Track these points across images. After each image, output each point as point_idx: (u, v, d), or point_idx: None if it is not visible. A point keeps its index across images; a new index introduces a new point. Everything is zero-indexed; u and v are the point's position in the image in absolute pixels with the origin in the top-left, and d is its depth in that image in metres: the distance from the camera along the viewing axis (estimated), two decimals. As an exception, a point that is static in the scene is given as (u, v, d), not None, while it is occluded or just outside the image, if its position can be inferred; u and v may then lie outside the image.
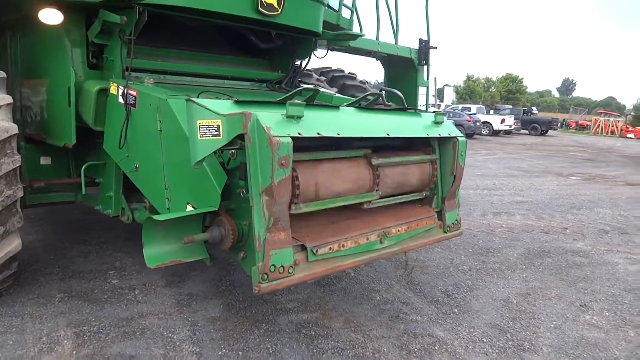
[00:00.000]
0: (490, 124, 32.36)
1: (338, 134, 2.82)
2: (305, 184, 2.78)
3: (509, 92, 61.04)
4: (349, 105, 3.50)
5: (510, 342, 3.75)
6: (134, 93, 3.26)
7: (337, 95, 4.64)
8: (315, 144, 3.02)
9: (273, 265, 2.55)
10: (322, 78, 6.04)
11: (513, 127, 34.41)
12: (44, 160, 4.45)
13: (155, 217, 2.57)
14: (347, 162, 3.13)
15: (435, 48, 6.45)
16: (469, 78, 60.10)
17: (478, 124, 29.97)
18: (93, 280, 4.50)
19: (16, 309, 3.84)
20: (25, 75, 4.27)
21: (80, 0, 3.50)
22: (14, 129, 3.42)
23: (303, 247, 2.80)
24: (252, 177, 2.50)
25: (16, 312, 3.78)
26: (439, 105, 42.41)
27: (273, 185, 2.45)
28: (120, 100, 3.39)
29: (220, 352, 3.37)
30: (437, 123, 3.65)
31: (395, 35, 6.20)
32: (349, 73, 6.80)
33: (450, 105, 39.29)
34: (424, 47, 6.35)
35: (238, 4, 3.62)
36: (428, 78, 6.62)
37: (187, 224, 2.75)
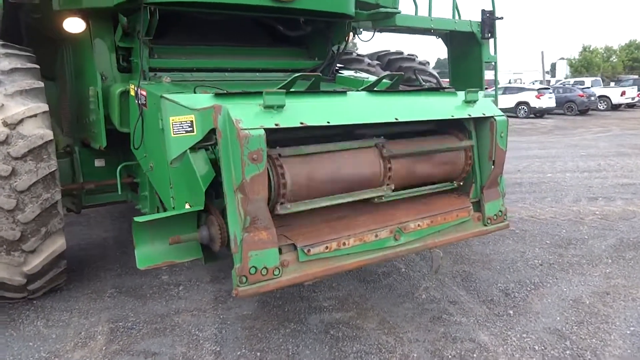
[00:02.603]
0: (608, 98, 28.92)
1: (328, 122, 2.55)
2: (294, 180, 2.56)
3: (633, 60, 54.19)
4: (366, 88, 3.18)
5: (568, 352, 3.21)
6: (144, 93, 3.26)
7: (370, 79, 4.30)
8: (316, 135, 2.78)
9: (254, 267, 2.37)
10: (375, 62, 5.69)
11: (637, 99, 30.45)
12: (98, 163, 4.69)
13: (137, 219, 2.52)
14: (351, 153, 2.84)
15: (502, 18, 5.76)
16: (585, 49, 54.38)
17: (593, 98, 26.95)
18: (145, 276, 4.66)
19: (69, 303, 4.09)
20: (74, 84, 4.52)
21: (94, 7, 3.59)
22: (49, 135, 3.60)
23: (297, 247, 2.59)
24: (224, 174, 2.34)
25: (68, 307, 4.03)
26: (548, 82, 39.02)
27: (245, 181, 2.27)
28: (137, 100, 3.43)
29: (239, 352, 3.28)
30: (468, 102, 3.20)
31: (454, 8, 5.64)
32: (408, 55, 6.35)
33: (560, 80, 35.87)
34: (488, 19, 5.69)
35: None
36: (495, 52, 5.95)
37: (180, 224, 2.67)
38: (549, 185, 8.36)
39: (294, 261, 2.54)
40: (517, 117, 25.09)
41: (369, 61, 5.66)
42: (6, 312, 3.92)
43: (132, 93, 3.55)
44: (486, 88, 6.67)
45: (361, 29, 5.17)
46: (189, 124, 2.40)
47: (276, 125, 2.37)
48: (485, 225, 3.35)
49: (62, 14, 3.75)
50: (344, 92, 2.91)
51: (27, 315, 3.87)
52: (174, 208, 3.07)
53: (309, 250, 2.56)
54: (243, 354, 3.27)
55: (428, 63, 6.36)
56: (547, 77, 48.18)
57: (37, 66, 3.90)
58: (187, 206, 2.86)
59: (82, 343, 3.45)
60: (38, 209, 3.56)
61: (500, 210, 3.41)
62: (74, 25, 3.69)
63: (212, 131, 2.36)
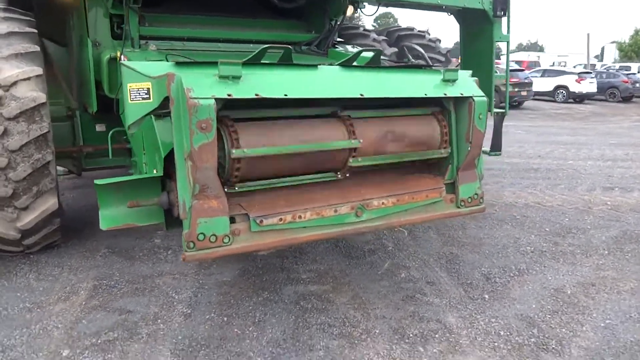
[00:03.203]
0: (656, 85, 27.41)
1: (285, 95, 2.55)
2: (249, 151, 2.57)
3: (690, 46, 50.83)
4: (342, 63, 3.13)
5: (532, 340, 3.16)
6: (125, 59, 3.32)
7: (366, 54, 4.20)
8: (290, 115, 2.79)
9: (202, 233, 2.43)
10: (380, 38, 5.57)
11: (688, 87, 28.74)
12: (99, 128, 4.83)
13: (97, 181, 2.61)
14: (312, 121, 2.84)
15: (516, -5, 5.51)
16: (637, 32, 51.36)
17: (638, 85, 25.62)
18: (140, 238, 4.82)
19: (63, 260, 4.29)
20: (76, 50, 4.63)
21: None
22: (41, 98, 3.73)
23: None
24: (175, 141, 2.38)
25: (61, 263, 4.23)
26: (593, 66, 37.23)
27: (193, 150, 2.31)
28: None
29: (207, 316, 3.38)
30: (447, 81, 3.11)
31: None
32: (419, 31, 6.18)
33: (606, 65, 34.14)
34: (501, -4, 5.46)
35: None
36: (508, 32, 5.72)
37: (144, 189, 2.75)
38: (566, 173, 8.09)
39: (246, 230, 2.58)
40: (554, 101, 24.19)
41: (375, 37, 5.55)
42: (4, 265, 4.15)
43: (119, 59, 3.61)
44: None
45: (364, 3, 5.06)
46: (146, 91, 2.44)
47: (229, 95, 2.38)
48: (459, 208, 3.29)
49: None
50: (314, 66, 2.88)
51: (21, 268, 4.09)
52: (146, 173, 3.16)
53: (261, 221, 2.60)
54: (211, 318, 3.37)
55: (439, 41, 6.18)
56: (595, 61, 45.95)
57: (35, 30, 4.01)
58: (155, 172, 2.93)
59: (64, 297, 3.63)
60: (29, 168, 3.72)
61: (475, 193, 3.34)
62: (66, -7, 3.79)
63: (167, 99, 2.39)
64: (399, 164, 3.31)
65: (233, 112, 2.67)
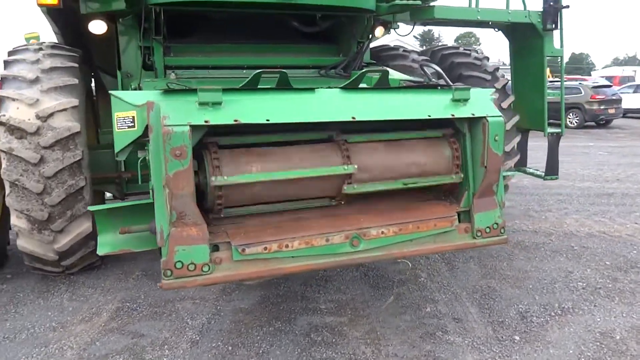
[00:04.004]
0: None
1: (267, 120, 2.48)
2: (232, 179, 2.52)
3: None
4: (347, 85, 3.00)
5: (560, 391, 2.77)
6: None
7: (395, 76, 4.02)
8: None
9: (180, 261, 2.40)
10: (420, 58, 5.36)
11: None
12: (140, 154, 5.05)
13: (90, 208, 2.68)
14: (301, 147, 2.74)
15: (568, 7, 5.07)
16: None
17: None
18: (174, 262, 4.92)
19: (98, 281, 4.48)
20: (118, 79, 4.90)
21: (108, 11, 3.86)
22: (76, 127, 3.96)
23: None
24: (152, 169, 2.39)
25: (96, 284, 4.41)
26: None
27: (168, 177, 2.30)
28: None
29: (213, 344, 3.34)
30: (457, 101, 2.89)
31: None
32: (464, 49, 5.88)
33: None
34: (551, 8, 5.05)
35: None
36: (561, 45, 5.26)
37: (138, 215, 2.78)
38: (646, 199, 7.26)
39: (228, 259, 2.52)
40: (648, 119, 22.09)
41: (415, 57, 5.36)
42: (46, 284, 4.41)
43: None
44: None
45: (397, 23, 4.91)
46: (131, 120, 2.48)
47: (206, 122, 2.36)
48: (475, 238, 3.00)
49: (88, 17, 4.09)
50: (307, 90, 2.79)
51: (59, 287, 4.32)
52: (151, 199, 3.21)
53: (243, 250, 2.52)
54: (217, 347, 3.32)
55: (487, 58, 5.83)
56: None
57: (76, 65, 4.30)
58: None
59: (88, 318, 3.76)
60: (63, 194, 3.94)
61: (495, 223, 3.03)
62: (96, 27, 4.03)
63: (147, 127, 2.42)
64: (409, 190, 3.10)
65: (222, 139, 2.65)
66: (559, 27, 5.14)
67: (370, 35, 4.47)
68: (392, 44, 5.90)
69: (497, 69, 5.62)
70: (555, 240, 5.39)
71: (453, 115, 2.85)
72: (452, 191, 3.19)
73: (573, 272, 4.50)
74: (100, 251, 2.75)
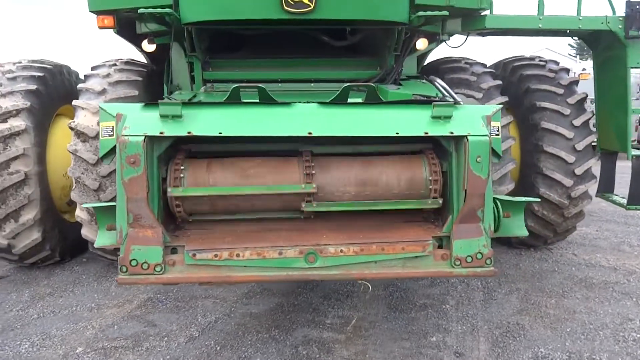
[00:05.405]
0: None
1: (220, 133, 2.59)
2: (189, 190, 2.68)
3: None
4: (333, 99, 2.98)
5: None
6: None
7: (396, 91, 3.86)
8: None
9: (134, 260, 2.61)
10: (480, 70, 4.97)
11: None
12: None
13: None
14: (265, 161, 2.79)
15: (657, 11, 4.29)
16: None
17: None
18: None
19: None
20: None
21: (153, 31, 4.28)
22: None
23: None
24: (117, 173, 2.64)
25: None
26: None
27: (124, 182, 2.53)
28: None
29: (207, 342, 3.52)
30: (436, 117, 2.70)
31: (579, 2, 4.47)
32: (540, 61, 5.31)
33: None
34: (635, 12, 4.32)
35: (262, 8, 3.62)
36: (651, 55, 4.47)
37: None
38: None
39: (181, 262, 2.66)
40: None
41: (475, 70, 4.99)
42: (107, 270, 5.02)
43: None
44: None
45: (447, 34, 4.64)
46: (111, 129, 2.77)
47: (161, 133, 2.55)
48: (453, 267, 2.74)
49: (141, 37, 4.58)
50: (287, 104, 2.83)
51: (114, 274, 4.88)
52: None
53: (194, 255, 2.64)
54: (208, 345, 3.49)
55: (565, 71, 5.16)
56: None
57: (140, 78, 4.83)
58: None
59: (121, 304, 4.22)
60: (114, 192, 4.48)
61: (479, 252, 2.73)
62: (147, 46, 4.50)
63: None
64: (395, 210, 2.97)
65: (195, 147, 2.83)
66: (645, 33, 4.43)
67: (410, 48, 4.32)
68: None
69: (575, 82, 5.01)
70: (634, 282, 4.61)
71: (426, 132, 2.67)
72: (441, 213, 2.97)
73: (634, 319, 3.82)
74: (96, 244, 3.09)
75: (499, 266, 5.09)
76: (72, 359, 3.32)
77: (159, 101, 2.61)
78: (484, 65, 5.25)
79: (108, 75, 4.75)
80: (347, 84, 2.92)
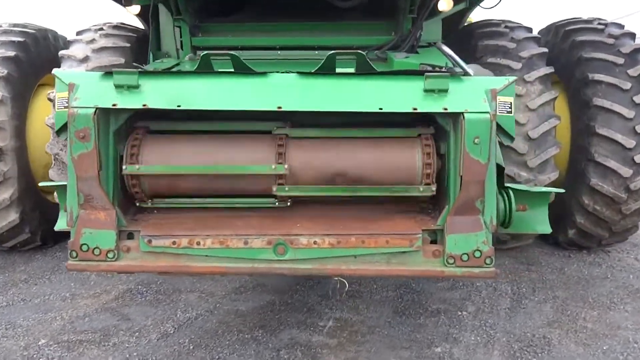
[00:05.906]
0: None
1: (178, 106, 2.65)
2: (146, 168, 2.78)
3: None
4: (318, 69, 2.99)
5: None
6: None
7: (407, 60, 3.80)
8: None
9: (85, 244, 2.72)
10: (522, 36, 4.81)
11: None
12: None
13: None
14: (234, 138, 2.85)
15: None
16: None
17: None
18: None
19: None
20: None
21: None
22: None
23: None
24: (68, 150, 2.76)
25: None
26: None
27: (73, 159, 2.66)
28: None
29: (180, 341, 3.64)
30: (429, 91, 2.67)
31: None
32: (599, 23, 5.08)
33: None
34: None
35: None
36: None
37: None
38: None
39: (137, 249, 2.76)
40: None
41: (515, 35, 4.84)
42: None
43: None
44: None
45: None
46: (66, 100, 2.89)
47: (114, 105, 2.64)
48: (445, 265, 2.72)
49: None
50: (262, 74, 2.86)
51: (97, 262, 5.13)
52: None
53: (149, 241, 2.73)
54: (181, 343, 3.62)
55: (630, 35, 4.90)
56: None
57: (128, 44, 4.98)
58: None
59: (97, 294, 4.42)
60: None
61: (477, 250, 2.69)
62: (132, 9, 4.63)
63: (74, 107, 2.80)
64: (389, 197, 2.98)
65: (155, 124, 2.93)
66: None
67: (431, 10, 4.25)
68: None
69: (638, 50, 4.79)
70: (703, 294, 4.42)
71: (415, 108, 2.64)
72: (439, 204, 2.95)
73: (689, 339, 3.69)
74: (56, 227, 3.26)
75: (539, 269, 5.00)
76: (33, 350, 3.53)
77: (113, 69, 2.71)
78: (529, 30, 5.10)
79: (92, 40, 4.93)
80: (333, 52, 2.92)
